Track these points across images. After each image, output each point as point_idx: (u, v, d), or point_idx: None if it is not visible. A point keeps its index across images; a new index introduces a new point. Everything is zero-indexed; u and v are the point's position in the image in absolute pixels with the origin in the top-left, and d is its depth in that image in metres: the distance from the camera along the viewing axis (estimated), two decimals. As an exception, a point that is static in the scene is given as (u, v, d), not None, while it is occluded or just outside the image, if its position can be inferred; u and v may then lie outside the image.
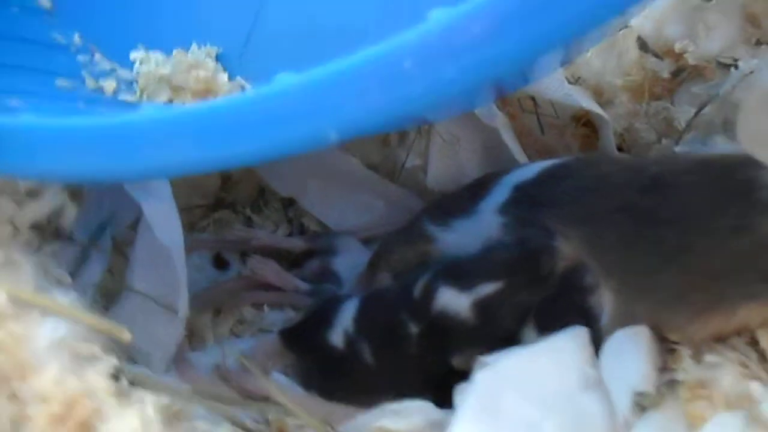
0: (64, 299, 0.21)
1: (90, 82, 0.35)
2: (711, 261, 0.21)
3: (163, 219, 0.27)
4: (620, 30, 0.33)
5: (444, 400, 0.25)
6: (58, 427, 0.18)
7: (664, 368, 0.22)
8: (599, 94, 0.37)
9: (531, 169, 0.31)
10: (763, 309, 0.21)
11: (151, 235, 0.28)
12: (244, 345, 0.34)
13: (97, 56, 0.38)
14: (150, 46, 0.37)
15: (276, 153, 0.18)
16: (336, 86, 0.17)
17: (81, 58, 0.38)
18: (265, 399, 0.28)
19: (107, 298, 0.28)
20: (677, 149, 0.31)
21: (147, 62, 0.35)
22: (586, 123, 0.37)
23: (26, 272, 0.21)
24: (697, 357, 0.22)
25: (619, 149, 0.36)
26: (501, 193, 0.30)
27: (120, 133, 0.19)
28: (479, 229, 0.30)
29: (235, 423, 0.24)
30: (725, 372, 0.20)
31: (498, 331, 0.26)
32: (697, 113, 0.30)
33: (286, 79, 0.17)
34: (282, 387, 0.29)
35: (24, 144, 0.19)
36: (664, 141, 0.33)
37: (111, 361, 0.20)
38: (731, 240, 0.21)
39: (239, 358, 0.32)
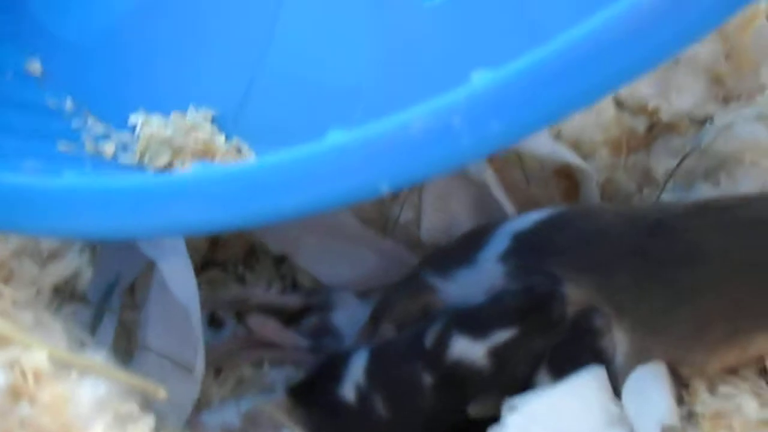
0: (99, 359, 0.21)
1: (89, 146, 0.35)
2: (724, 298, 0.23)
3: (179, 276, 0.27)
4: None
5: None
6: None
7: (680, 402, 0.23)
8: (579, 149, 0.40)
9: (527, 219, 0.32)
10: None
11: (165, 292, 0.28)
12: (250, 404, 0.33)
13: (91, 120, 0.38)
14: (146, 107, 0.37)
15: (326, 207, 0.19)
16: (388, 142, 0.18)
17: (75, 121, 0.38)
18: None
19: (120, 357, 0.27)
20: (663, 198, 0.33)
21: (148, 125, 0.35)
22: (568, 175, 0.39)
23: (57, 333, 0.21)
24: (711, 389, 0.23)
25: (601, 199, 0.39)
26: (500, 242, 0.31)
27: (173, 191, 0.19)
28: (481, 278, 0.31)
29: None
30: (742, 401, 0.22)
31: (514, 378, 0.27)
32: (679, 163, 0.32)
33: (338, 136, 0.18)
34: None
35: (67, 204, 0.20)
36: (644, 191, 0.36)
37: (149, 420, 0.20)
38: (742, 276, 0.22)
39: (247, 418, 0.32)
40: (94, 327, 0.26)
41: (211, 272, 0.43)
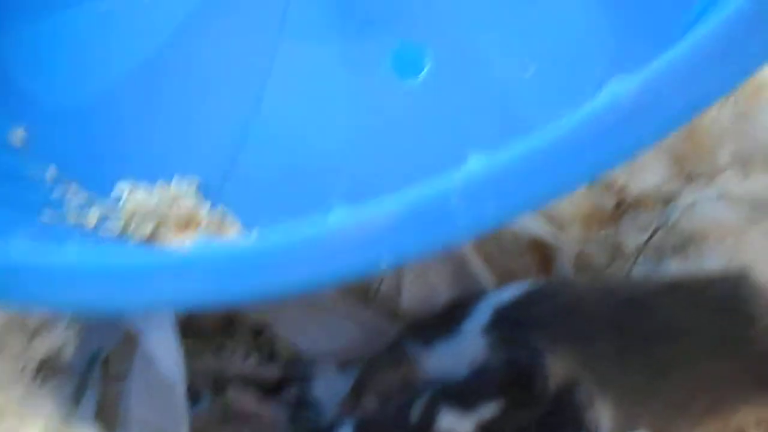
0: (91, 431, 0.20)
1: (72, 216, 0.35)
2: (702, 372, 0.23)
3: (164, 350, 0.27)
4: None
5: None
6: None
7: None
8: (552, 222, 0.41)
9: (507, 293, 0.33)
10: (758, 410, 0.23)
11: (149, 364, 0.27)
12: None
13: (73, 188, 0.38)
14: (130, 177, 0.38)
15: (325, 284, 0.20)
16: (389, 221, 0.19)
17: (57, 191, 0.38)
18: None
19: (103, 430, 0.26)
20: (634, 272, 0.35)
21: (133, 195, 0.36)
22: (541, 248, 0.41)
23: (48, 408, 0.20)
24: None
25: (574, 272, 0.40)
26: (481, 315, 0.32)
27: (171, 267, 0.19)
28: (464, 350, 0.31)
29: None
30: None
31: None
32: (648, 240, 0.34)
33: (341, 214, 0.19)
34: None
35: (65, 278, 0.20)
36: (615, 264, 0.37)
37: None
38: (716, 352, 0.23)
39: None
40: (77, 400, 0.25)
41: (187, 342, 0.42)
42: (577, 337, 0.27)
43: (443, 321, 0.34)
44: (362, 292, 0.43)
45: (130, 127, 0.39)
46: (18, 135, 0.40)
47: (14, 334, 0.22)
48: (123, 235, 0.35)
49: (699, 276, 0.25)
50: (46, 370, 0.24)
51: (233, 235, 0.37)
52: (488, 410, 0.27)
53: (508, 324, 0.30)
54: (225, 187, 0.39)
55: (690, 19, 0.34)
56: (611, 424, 0.25)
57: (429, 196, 0.19)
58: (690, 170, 0.36)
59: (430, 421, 0.28)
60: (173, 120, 0.39)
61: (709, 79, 0.18)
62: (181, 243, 0.35)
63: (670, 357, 0.25)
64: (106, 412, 0.27)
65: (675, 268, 0.31)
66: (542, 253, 0.41)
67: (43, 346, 0.23)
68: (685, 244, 0.31)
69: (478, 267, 0.40)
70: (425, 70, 0.39)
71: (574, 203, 0.40)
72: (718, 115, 0.34)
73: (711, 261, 0.30)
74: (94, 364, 0.27)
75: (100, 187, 0.38)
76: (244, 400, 0.38)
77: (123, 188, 0.36)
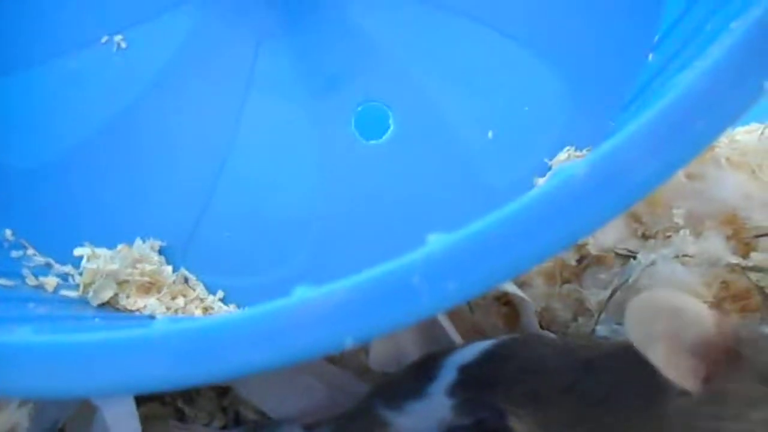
0: None
1: (31, 280, 0.34)
2: (674, 424, 0.24)
3: (122, 424, 0.27)
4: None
5: None
6: None
7: None
8: (517, 278, 0.42)
9: (471, 351, 0.33)
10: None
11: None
12: None
13: (30, 251, 0.38)
14: (90, 240, 0.37)
15: (290, 361, 0.19)
16: (353, 299, 0.19)
17: (14, 254, 0.37)
18: None
19: None
20: (597, 330, 0.35)
21: (94, 259, 0.35)
22: (507, 303, 0.41)
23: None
24: None
25: (540, 326, 0.41)
26: (447, 375, 0.32)
27: (129, 348, 0.19)
28: (432, 411, 0.31)
29: None
30: None
31: None
32: (609, 298, 0.35)
33: (304, 292, 0.19)
34: None
35: (18, 363, 0.19)
36: (579, 320, 0.38)
37: None
38: (646, 418, 0.24)
39: None
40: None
41: (149, 406, 0.41)
42: (537, 399, 0.27)
43: (412, 381, 0.34)
44: (329, 351, 0.43)
45: (91, 190, 0.39)
46: (-25, 198, 0.39)
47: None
48: (83, 298, 0.35)
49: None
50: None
51: (195, 298, 0.37)
52: None
53: (472, 384, 0.30)
54: (188, 250, 0.38)
55: (640, 88, 0.35)
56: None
57: (391, 276, 0.19)
58: (646, 229, 0.37)
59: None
60: (136, 182, 0.39)
61: (656, 159, 0.18)
62: (142, 307, 0.35)
63: (613, 421, 0.25)
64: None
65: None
66: (509, 308, 0.41)
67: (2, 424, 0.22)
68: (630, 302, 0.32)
69: (446, 324, 0.40)
70: (389, 131, 0.40)
71: (537, 259, 0.41)
72: (673, 176, 0.35)
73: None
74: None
75: (59, 251, 0.37)
76: (209, 467, 0.37)
77: (82, 252, 0.35)
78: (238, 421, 0.41)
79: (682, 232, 0.33)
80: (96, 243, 0.37)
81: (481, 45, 0.39)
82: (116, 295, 0.35)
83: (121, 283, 0.35)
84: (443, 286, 0.19)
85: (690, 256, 0.32)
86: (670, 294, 0.22)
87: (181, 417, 0.41)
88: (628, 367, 0.25)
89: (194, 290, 0.37)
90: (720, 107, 0.18)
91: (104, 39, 0.41)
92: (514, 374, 0.29)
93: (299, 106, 0.41)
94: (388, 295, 0.19)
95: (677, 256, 0.32)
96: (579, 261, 0.39)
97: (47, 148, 0.40)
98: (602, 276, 0.38)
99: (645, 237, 0.37)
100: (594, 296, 0.37)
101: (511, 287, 0.39)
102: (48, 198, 0.39)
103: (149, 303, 0.35)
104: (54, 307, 0.31)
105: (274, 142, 0.40)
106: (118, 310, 0.34)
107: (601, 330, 0.35)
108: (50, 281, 0.35)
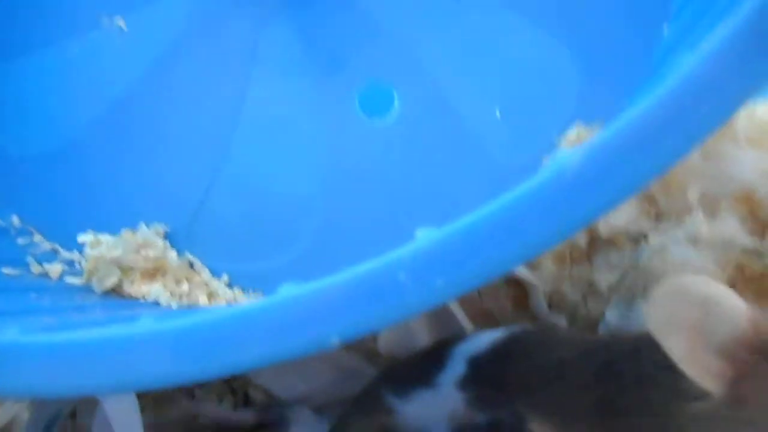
0: None
1: (35, 268, 0.35)
2: None
3: (123, 416, 0.27)
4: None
5: None
6: None
7: None
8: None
9: (481, 341, 0.32)
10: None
11: (108, 427, 0.27)
12: None
13: (37, 237, 0.38)
14: (95, 226, 0.37)
15: (275, 360, 0.19)
16: (337, 297, 0.18)
17: (21, 240, 0.37)
18: None
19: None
20: (607, 313, 0.34)
21: (97, 246, 0.35)
22: (517, 286, 0.40)
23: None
24: None
25: (550, 307, 0.40)
26: (457, 366, 0.31)
27: (119, 347, 0.19)
28: (441, 402, 0.31)
29: None
30: None
31: None
32: (619, 281, 0.34)
33: (289, 290, 0.19)
34: None
35: (3, 364, 0.19)
36: (589, 303, 0.37)
37: None
38: (664, 420, 0.23)
39: None
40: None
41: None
42: (556, 407, 0.26)
43: (420, 370, 0.33)
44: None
45: (95, 175, 0.39)
46: (-22, 185, 0.40)
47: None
48: (87, 285, 0.35)
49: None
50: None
51: (200, 283, 0.37)
52: None
53: (484, 380, 0.30)
54: (192, 233, 0.38)
55: (654, 63, 0.34)
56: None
57: (377, 273, 0.18)
58: (659, 210, 0.35)
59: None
60: (140, 167, 0.39)
61: (658, 148, 0.17)
62: (147, 293, 0.35)
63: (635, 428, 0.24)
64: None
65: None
66: (518, 291, 0.41)
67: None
68: (655, 286, 0.31)
69: (456, 309, 0.40)
70: (393, 110, 0.39)
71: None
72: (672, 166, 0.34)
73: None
74: (52, 429, 0.26)
75: (64, 237, 0.37)
76: (218, 449, 0.37)
77: (86, 239, 0.35)
78: (247, 402, 0.41)
79: (695, 213, 0.32)
80: (101, 228, 0.37)
81: (487, 20, 0.37)
82: (120, 281, 0.35)
83: (125, 270, 0.35)
84: (431, 283, 0.18)
85: (704, 239, 0.31)
86: (702, 280, 0.20)
87: (190, 398, 0.42)
88: (649, 369, 0.24)
89: (199, 275, 0.37)
90: (724, 91, 0.17)
91: (104, 21, 0.40)
92: (531, 379, 0.28)
93: (303, 85, 0.40)
94: (374, 293, 0.18)
95: (690, 239, 0.31)
96: (590, 243, 0.38)
97: (50, 134, 0.40)
98: (613, 258, 0.36)
99: (657, 218, 0.36)
100: (604, 279, 0.36)
101: (519, 270, 0.39)
102: (53, 184, 0.39)
103: (153, 289, 0.35)
104: (56, 297, 0.31)
105: (277, 123, 0.39)
106: (122, 296, 0.35)
107: (611, 315, 0.34)
108: (55, 268, 0.35)
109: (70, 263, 0.36)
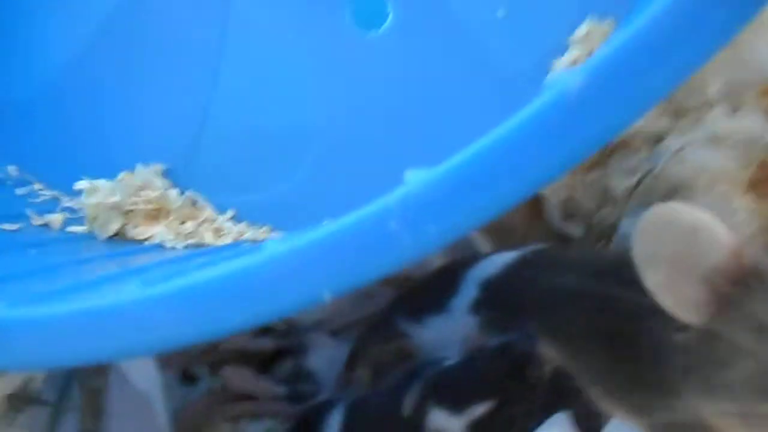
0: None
1: (36, 219, 0.34)
2: (675, 363, 0.22)
3: (138, 365, 0.27)
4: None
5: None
6: None
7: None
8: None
9: (493, 264, 0.32)
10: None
11: (125, 382, 0.27)
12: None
13: (37, 186, 0.37)
14: (92, 170, 0.36)
15: (269, 317, 0.18)
16: (325, 251, 0.17)
17: (20, 191, 0.37)
18: None
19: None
20: (623, 221, 0.33)
21: (94, 192, 0.34)
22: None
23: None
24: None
25: (564, 216, 0.38)
26: (469, 289, 0.31)
27: (103, 318, 0.18)
28: (454, 327, 0.31)
29: None
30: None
31: None
32: (636, 186, 0.32)
33: (276, 247, 0.18)
34: None
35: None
36: (604, 210, 0.35)
37: None
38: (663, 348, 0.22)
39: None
40: (52, 429, 0.25)
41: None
42: (565, 327, 0.26)
43: (433, 294, 0.33)
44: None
45: (86, 115, 0.37)
46: (-30, 136, 0.39)
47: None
48: (90, 233, 0.34)
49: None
50: (17, 403, 0.23)
51: (204, 221, 0.36)
52: (479, 409, 0.26)
53: (496, 303, 0.29)
54: (191, 169, 0.37)
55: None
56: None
57: (366, 223, 0.17)
58: (678, 105, 0.33)
59: (421, 418, 0.27)
60: (128, 106, 0.37)
61: (658, 68, 0.15)
62: (151, 236, 0.35)
63: (638, 363, 0.23)
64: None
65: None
66: (532, 202, 0.39)
67: (7, 385, 0.22)
68: (673, 191, 0.30)
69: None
70: (388, 19, 0.36)
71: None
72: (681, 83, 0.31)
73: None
74: (69, 387, 0.27)
75: (64, 184, 0.37)
76: (240, 377, 0.38)
77: (82, 186, 0.34)
78: (266, 329, 0.42)
79: (716, 108, 0.30)
80: (98, 173, 0.36)
81: None
82: (123, 226, 0.34)
83: (127, 214, 0.35)
84: (424, 230, 0.17)
85: (725, 137, 0.29)
86: (686, 209, 0.19)
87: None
88: (651, 297, 0.23)
89: (203, 212, 0.36)
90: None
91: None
92: (541, 302, 0.28)
93: (289, 1, 0.37)
94: (364, 245, 0.17)
95: (711, 138, 0.29)
96: (604, 146, 0.36)
97: (34, 75, 0.38)
98: (629, 162, 0.35)
99: (676, 115, 0.33)
100: (620, 184, 0.35)
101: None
102: (45, 128, 0.38)
103: (157, 231, 0.34)
104: (57, 251, 0.31)
105: (265, 46, 0.37)
106: (126, 242, 0.34)
107: (627, 222, 0.33)
108: (56, 218, 0.34)
109: (72, 211, 0.36)
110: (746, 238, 0.19)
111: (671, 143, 0.30)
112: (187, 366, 0.39)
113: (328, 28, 0.37)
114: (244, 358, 0.40)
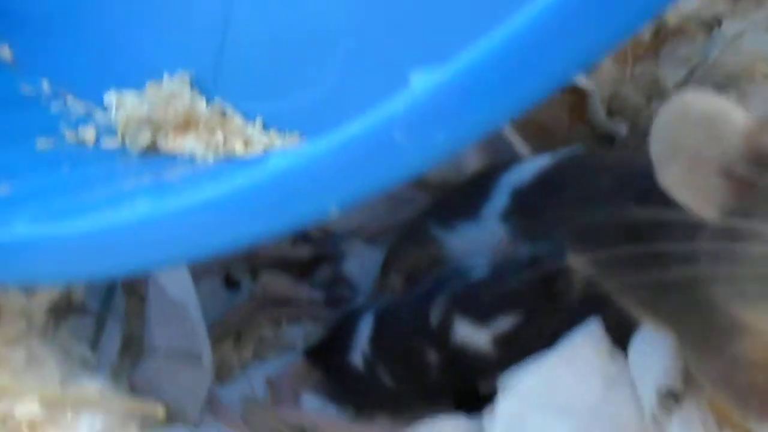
0: (94, 386, 0.21)
1: (70, 136, 0.34)
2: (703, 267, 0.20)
3: (172, 274, 0.27)
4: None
5: (474, 408, 0.26)
6: None
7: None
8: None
9: (526, 170, 0.30)
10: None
11: (162, 290, 0.28)
12: (270, 368, 0.34)
13: (70, 100, 0.37)
14: (122, 80, 0.36)
15: (275, 234, 0.18)
16: (331, 163, 0.17)
17: (54, 106, 0.37)
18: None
19: (131, 358, 0.28)
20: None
21: (123, 106, 0.34)
22: (573, 92, 0.37)
23: (51, 367, 0.21)
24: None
25: (609, 113, 0.36)
26: (501, 197, 0.30)
27: (124, 234, 0.18)
28: (485, 234, 0.30)
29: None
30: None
31: (522, 359, 0.26)
32: (688, 76, 0.29)
33: (278, 162, 0.17)
34: (313, 411, 0.30)
35: (22, 257, 0.19)
36: (653, 104, 0.33)
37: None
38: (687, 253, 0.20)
39: (268, 384, 0.33)
40: (96, 337, 0.26)
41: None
42: (593, 234, 0.25)
43: (465, 200, 0.32)
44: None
45: (111, 29, 0.37)
46: (5, 52, 0.39)
47: (12, 292, 0.23)
48: (123, 148, 0.34)
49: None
50: (59, 313, 0.25)
51: (234, 131, 0.36)
52: (505, 323, 0.26)
53: (527, 212, 0.28)
54: (219, 78, 0.36)
55: None
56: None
57: (369, 133, 0.16)
58: (738, -13, 0.30)
59: (448, 329, 0.27)
60: (152, 12, 0.36)
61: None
62: (182, 147, 0.35)
63: (678, 262, 0.22)
64: (134, 342, 0.28)
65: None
66: (575, 99, 0.37)
67: (46, 298, 0.23)
68: (727, 83, 0.27)
69: (506, 128, 0.37)
70: None
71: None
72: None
73: (755, 103, 0.25)
74: (111, 297, 0.28)
75: (96, 96, 0.37)
76: (279, 283, 0.38)
77: (110, 99, 0.34)
78: (304, 237, 0.42)
79: (781, -12, 0.27)
80: (127, 83, 0.36)
81: None
82: (155, 139, 0.34)
83: (157, 126, 0.34)
84: (430, 138, 0.16)
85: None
86: (702, 97, 0.18)
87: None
88: None
89: (232, 121, 0.36)
90: None
91: None
92: (571, 210, 0.26)
93: None
94: (369, 156, 0.16)
95: (772, 23, 0.26)
96: (655, 34, 0.33)
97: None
98: (682, 51, 0.32)
99: None
100: (671, 76, 0.32)
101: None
102: (73, 44, 0.38)
103: (188, 143, 0.34)
104: (89, 167, 0.31)
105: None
106: (159, 154, 0.34)
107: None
108: (89, 134, 0.34)
109: (104, 127, 0.36)
110: (764, 121, 0.17)
111: (729, 28, 0.27)
112: (229, 272, 0.41)
113: None
114: (283, 264, 0.40)
